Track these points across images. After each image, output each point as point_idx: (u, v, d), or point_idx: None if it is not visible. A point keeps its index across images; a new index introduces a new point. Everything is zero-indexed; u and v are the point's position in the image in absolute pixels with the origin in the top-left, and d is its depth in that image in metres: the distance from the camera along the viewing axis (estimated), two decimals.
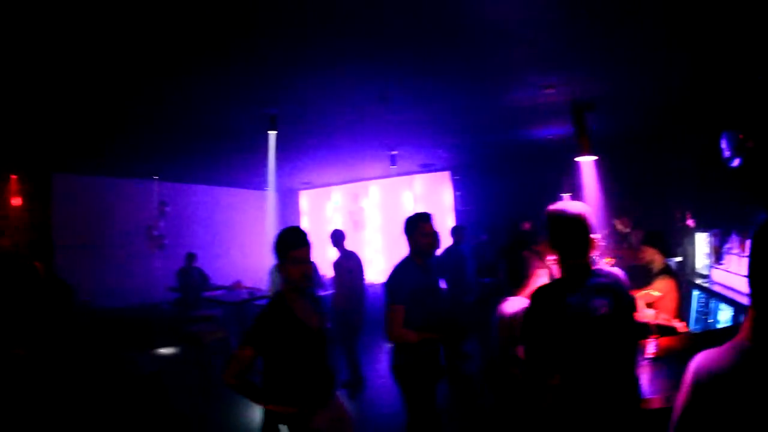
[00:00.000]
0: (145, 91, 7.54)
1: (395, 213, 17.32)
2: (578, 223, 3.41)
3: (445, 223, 15.38)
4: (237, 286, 15.83)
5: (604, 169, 11.43)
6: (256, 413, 8.13)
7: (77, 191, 15.41)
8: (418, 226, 5.64)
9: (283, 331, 3.87)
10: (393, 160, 13.35)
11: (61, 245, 14.46)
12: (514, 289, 4.51)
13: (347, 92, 7.99)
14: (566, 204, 3.52)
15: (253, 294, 11.22)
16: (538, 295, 3.43)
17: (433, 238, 5.69)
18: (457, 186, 16.53)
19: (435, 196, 17.08)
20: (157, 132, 10.17)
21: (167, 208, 17.11)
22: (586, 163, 10.45)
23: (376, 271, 17.03)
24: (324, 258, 16.77)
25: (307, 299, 4.14)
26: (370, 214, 18.90)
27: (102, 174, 15.69)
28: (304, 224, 20.59)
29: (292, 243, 3.96)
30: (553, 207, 3.54)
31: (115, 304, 14.24)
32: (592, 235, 3.42)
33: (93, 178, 15.67)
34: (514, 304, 4.30)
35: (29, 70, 6.61)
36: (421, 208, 14.59)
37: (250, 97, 8.02)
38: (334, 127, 10.19)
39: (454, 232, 12.52)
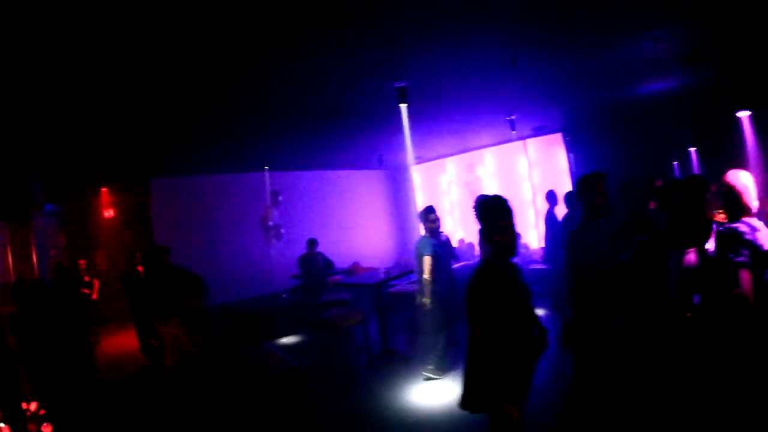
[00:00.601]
0: (268, 72, 7.28)
1: (511, 180, 16.30)
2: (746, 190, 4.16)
3: (562, 186, 14.61)
4: (355, 268, 15.67)
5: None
6: (403, 401, 7.71)
7: (176, 192, 15.76)
8: (594, 187, 5.35)
9: (504, 296, 3.88)
10: (512, 125, 12.64)
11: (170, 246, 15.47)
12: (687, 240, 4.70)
13: (476, 59, 7.64)
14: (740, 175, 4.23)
15: (390, 274, 10.85)
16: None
17: (608, 197, 5.40)
18: (570, 148, 15.71)
19: (549, 159, 15.82)
20: (270, 120, 10.02)
21: (280, 197, 17.00)
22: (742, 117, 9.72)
23: None
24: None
25: (510, 267, 4.10)
26: (487, 182, 17.74)
27: (206, 173, 15.89)
28: (419, 200, 19.99)
29: (500, 212, 3.96)
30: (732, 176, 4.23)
31: (229, 299, 14.31)
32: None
33: (190, 178, 15.93)
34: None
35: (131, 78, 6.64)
36: (536, 173, 14.10)
37: (378, 71, 7.70)
38: (458, 96, 9.73)
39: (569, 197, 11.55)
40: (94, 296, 12.81)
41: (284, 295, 15.23)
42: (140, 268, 11.51)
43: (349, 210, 19.39)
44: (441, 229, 8.66)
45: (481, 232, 4.06)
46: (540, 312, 8.64)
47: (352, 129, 11.76)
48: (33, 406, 5.76)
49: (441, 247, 8.40)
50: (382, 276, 10.60)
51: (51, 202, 14.19)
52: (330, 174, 19.07)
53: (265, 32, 5.76)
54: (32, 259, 10.91)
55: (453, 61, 7.65)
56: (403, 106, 8.68)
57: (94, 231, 15.96)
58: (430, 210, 8.47)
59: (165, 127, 9.52)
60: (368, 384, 8.74)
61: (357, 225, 19.27)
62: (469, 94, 9.66)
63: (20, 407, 4.74)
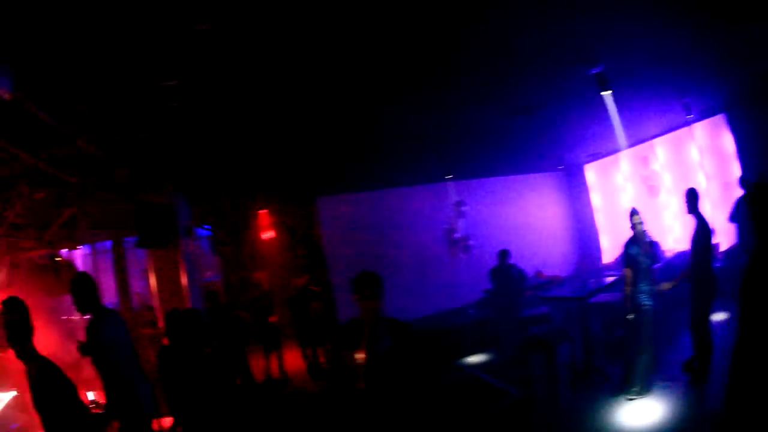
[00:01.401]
0: (453, 66, 7.17)
1: (684, 171, 14.93)
2: None
3: (731, 173, 13.41)
4: (539, 276, 15.25)
5: None
6: (610, 424, 7.26)
7: (346, 209, 15.73)
8: None
9: None
10: (687, 109, 11.70)
11: (336, 266, 15.31)
12: None
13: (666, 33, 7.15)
14: None
15: (600, 284, 10.25)
16: None
17: None
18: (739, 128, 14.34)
19: (715, 144, 14.39)
20: (453, 123, 9.82)
21: (464, 208, 16.63)
22: None
23: (675, 239, 14.98)
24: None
25: None
26: (663, 176, 16.31)
27: (378, 187, 15.80)
28: (594, 200, 19.10)
29: None
30: None
31: (408, 316, 13.85)
32: None
33: (358, 194, 15.85)
34: None
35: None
36: (706, 161, 12.77)
37: (572, 57, 7.38)
38: (639, 79, 9.06)
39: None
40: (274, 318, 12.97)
41: (471, 311, 14.86)
42: (315, 288, 11.49)
43: (528, 215, 18.63)
44: (645, 230, 8.08)
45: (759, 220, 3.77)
46: None
47: (537, 125, 11.29)
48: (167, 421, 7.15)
49: (643, 254, 7.88)
50: (590, 287, 10.02)
51: (205, 225, 14.70)
52: (505, 180, 18.54)
53: (453, 26, 5.74)
54: (180, 284, 10.79)
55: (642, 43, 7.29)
56: (606, 93, 8.32)
57: (252, 252, 16.13)
58: (633, 212, 8.05)
59: (341, 143, 9.65)
60: (574, 405, 8.41)
61: (535, 231, 18.45)
62: (648, 74, 9.00)
63: None
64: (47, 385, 5.10)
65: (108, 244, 15.10)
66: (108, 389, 5.88)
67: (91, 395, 11.23)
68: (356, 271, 4.64)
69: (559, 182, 20.04)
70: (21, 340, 5.08)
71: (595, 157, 18.11)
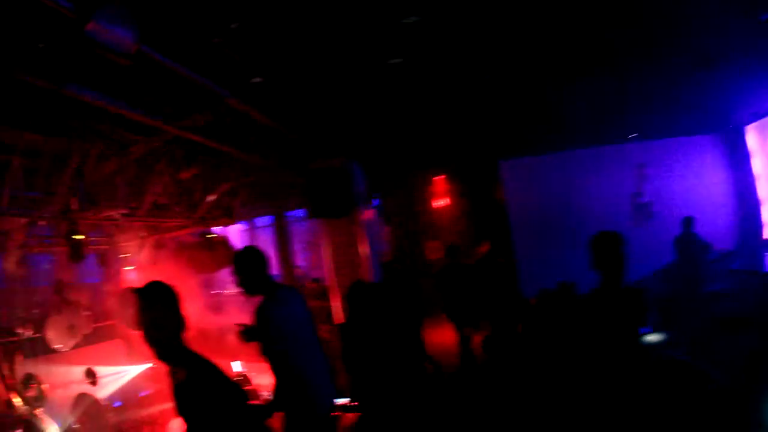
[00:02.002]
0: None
1: None
2: None
3: None
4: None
5: None
6: None
7: (529, 173, 14.49)
8: None
9: None
10: None
11: (518, 234, 14.12)
12: None
13: None
14: None
15: None
16: None
17: None
18: None
19: None
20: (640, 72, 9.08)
21: (648, 170, 14.95)
22: None
23: None
24: None
25: None
26: None
27: (561, 149, 14.46)
28: (755, 167, 16.50)
29: None
30: None
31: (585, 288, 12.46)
32: None
33: (543, 156, 14.57)
34: None
35: None
36: None
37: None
38: None
39: None
40: None
41: (648, 284, 13.11)
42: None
43: (685, 182, 16.42)
44: None
45: None
46: None
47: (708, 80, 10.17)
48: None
49: None
50: None
51: (375, 194, 13.83)
52: (665, 144, 16.32)
53: None
54: (354, 256, 10.28)
55: None
56: None
57: (424, 222, 15.41)
58: None
59: (526, 105, 9.38)
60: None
61: (693, 199, 16.26)
62: None
63: None
64: (200, 398, 3.55)
65: (258, 220, 15.20)
66: (279, 380, 4.97)
67: (237, 366, 11.71)
68: (541, 239, 3.41)
69: (718, 146, 17.62)
70: (163, 339, 3.61)
71: (758, 116, 15.74)
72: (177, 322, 3.66)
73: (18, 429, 7.46)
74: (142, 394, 14.44)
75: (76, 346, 9.76)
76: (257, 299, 4.87)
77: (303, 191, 9.65)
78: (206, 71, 6.00)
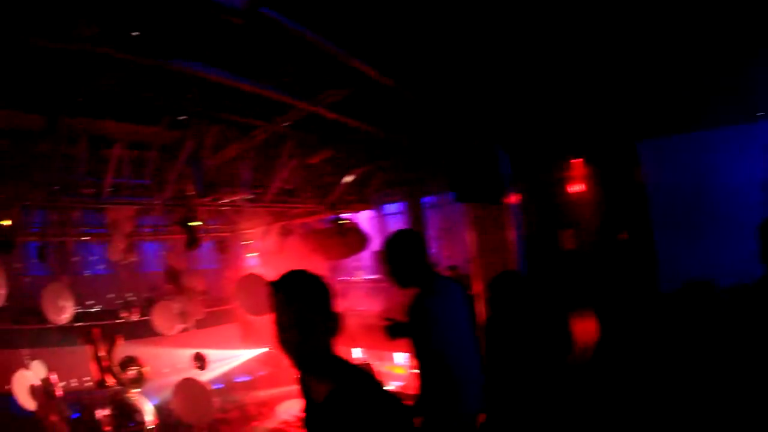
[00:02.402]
0: None
1: None
2: None
3: None
4: None
5: None
6: None
7: (672, 155, 12.80)
8: None
9: None
10: None
11: (659, 221, 12.62)
12: None
13: None
14: None
15: None
16: None
17: None
18: None
19: None
20: None
21: None
22: None
23: None
24: None
25: None
26: None
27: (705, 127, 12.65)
28: None
29: None
30: None
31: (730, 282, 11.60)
32: None
33: (686, 135, 12.72)
34: None
35: None
36: None
37: None
38: None
39: None
40: None
41: None
42: None
43: None
44: None
45: None
46: None
47: None
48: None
49: None
50: None
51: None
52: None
53: None
54: (507, 244, 10.18)
55: None
56: None
57: (558, 209, 13.94)
58: None
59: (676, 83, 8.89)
60: None
61: None
62: None
63: None
64: (348, 424, 2.54)
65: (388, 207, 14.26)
66: (427, 382, 4.12)
67: (357, 352, 12.09)
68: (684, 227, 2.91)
69: None
70: (306, 344, 2.64)
71: None
72: (327, 323, 2.71)
73: (107, 408, 7.58)
74: (260, 374, 15.24)
75: (186, 330, 9.80)
76: (397, 288, 4.24)
77: (447, 174, 9.06)
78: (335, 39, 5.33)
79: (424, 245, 4.29)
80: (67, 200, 7.97)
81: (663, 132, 12.95)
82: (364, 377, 2.65)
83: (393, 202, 13.99)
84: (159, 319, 9.63)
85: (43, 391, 8.91)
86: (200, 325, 9.85)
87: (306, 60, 5.57)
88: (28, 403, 8.92)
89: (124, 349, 7.96)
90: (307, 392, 2.77)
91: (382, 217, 14.90)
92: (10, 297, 13.98)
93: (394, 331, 4.65)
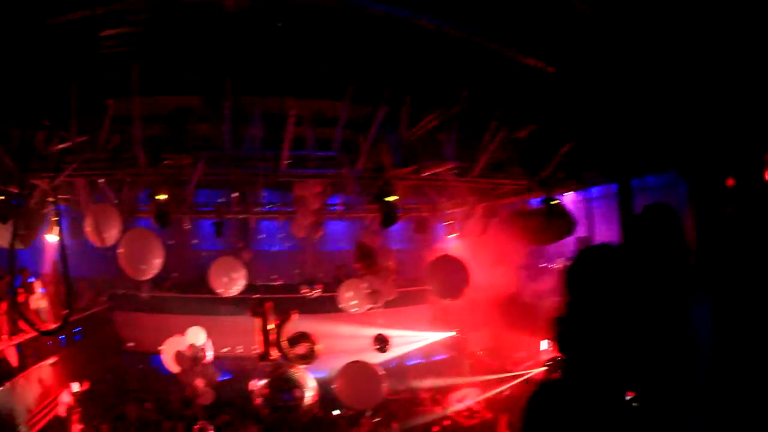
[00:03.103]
0: None
1: None
2: None
3: None
4: None
5: None
6: None
7: None
8: None
9: None
10: None
11: None
12: None
13: None
14: None
15: None
16: None
17: None
18: None
19: None
20: None
21: None
22: None
23: None
24: None
25: None
26: None
27: None
28: None
29: None
30: None
31: None
32: None
33: None
34: None
35: None
36: None
37: None
38: None
39: None
40: None
41: None
42: None
43: None
44: None
45: None
46: None
47: None
48: None
49: None
50: None
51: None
52: None
53: None
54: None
55: None
56: None
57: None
58: None
59: None
60: None
61: None
62: None
63: None
64: None
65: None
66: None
67: (544, 345, 12.18)
68: None
69: None
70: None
71: None
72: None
73: (264, 379, 7.87)
74: (429, 360, 15.05)
75: (372, 309, 9.65)
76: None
77: (666, 149, 7.97)
78: None
79: (681, 229, 3.27)
80: (247, 173, 8.05)
81: None
82: None
83: (599, 184, 12.54)
84: (347, 297, 9.43)
85: (189, 357, 9.44)
86: (386, 304, 9.54)
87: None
88: (173, 367, 9.51)
89: (298, 324, 7.98)
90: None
91: (585, 201, 13.67)
92: (184, 268, 15.79)
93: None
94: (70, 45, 5.71)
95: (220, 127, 7.02)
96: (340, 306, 9.50)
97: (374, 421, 10.77)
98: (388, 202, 7.58)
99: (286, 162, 7.37)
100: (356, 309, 9.44)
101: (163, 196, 7.83)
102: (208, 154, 7.27)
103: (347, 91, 6.48)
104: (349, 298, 9.36)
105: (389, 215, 7.75)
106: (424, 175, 7.87)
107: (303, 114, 6.88)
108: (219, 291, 9.21)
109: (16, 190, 6.84)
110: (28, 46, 5.53)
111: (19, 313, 9.36)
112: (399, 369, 14.80)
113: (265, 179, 9.60)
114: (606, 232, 12.56)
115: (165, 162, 7.28)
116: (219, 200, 11.91)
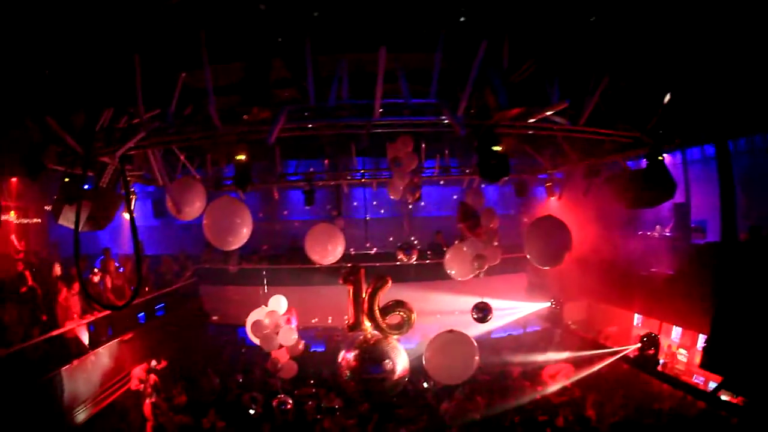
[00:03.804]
0: None
1: None
2: None
3: None
4: None
5: None
6: None
7: None
8: None
9: None
10: None
11: None
12: None
13: None
14: None
15: None
16: None
17: None
18: None
19: None
20: None
21: None
22: None
23: None
24: None
25: None
26: None
27: None
28: None
29: None
30: None
31: None
32: None
33: None
34: None
35: None
36: None
37: None
38: None
39: None
40: None
41: None
42: None
43: None
44: None
45: None
46: None
47: None
48: None
49: None
50: None
51: None
52: None
53: None
54: None
55: None
56: None
57: None
58: None
59: None
60: None
61: None
62: None
63: None
64: None
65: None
66: None
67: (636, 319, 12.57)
68: None
69: None
70: None
71: None
72: None
73: (354, 350, 7.42)
74: (524, 332, 14.61)
75: (477, 276, 8.94)
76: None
77: None
78: None
79: None
80: (335, 126, 7.61)
81: None
82: None
83: (700, 144, 12.74)
84: (452, 263, 8.91)
85: (269, 326, 9.23)
86: (487, 272, 8.84)
87: None
88: (253, 338, 9.30)
89: (392, 293, 7.52)
90: None
91: (682, 165, 13.11)
92: (274, 240, 16.58)
93: None
94: (135, 15, 5.56)
95: (303, 84, 6.63)
96: (446, 270, 8.98)
97: (464, 396, 10.59)
98: (495, 151, 6.93)
99: (379, 111, 6.84)
100: (462, 276, 8.86)
101: (242, 156, 7.61)
102: (290, 107, 6.76)
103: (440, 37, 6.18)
104: (454, 263, 8.85)
105: (495, 166, 7.03)
106: (531, 121, 7.17)
107: (396, 67, 6.50)
108: (315, 259, 8.92)
109: (83, 172, 6.60)
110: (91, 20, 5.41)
111: (85, 292, 9.50)
112: (489, 341, 14.54)
113: (356, 142, 9.44)
114: (702, 198, 12.15)
115: (243, 118, 6.94)
116: (309, 170, 11.94)
